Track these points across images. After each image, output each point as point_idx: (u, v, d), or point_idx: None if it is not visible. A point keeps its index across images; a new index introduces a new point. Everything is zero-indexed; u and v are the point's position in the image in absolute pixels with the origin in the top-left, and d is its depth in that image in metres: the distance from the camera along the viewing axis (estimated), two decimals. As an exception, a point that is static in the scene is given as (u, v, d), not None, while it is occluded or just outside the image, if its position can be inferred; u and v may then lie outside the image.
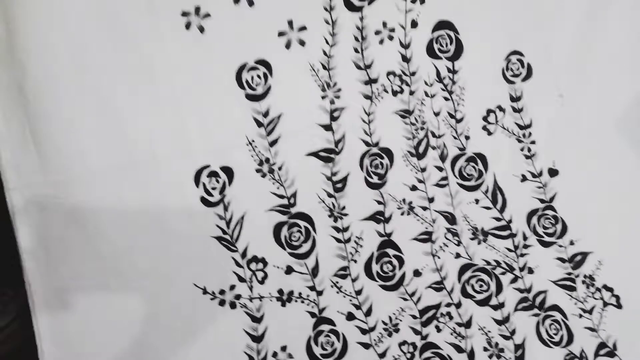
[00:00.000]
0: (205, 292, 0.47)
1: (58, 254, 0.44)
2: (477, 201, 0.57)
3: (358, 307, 0.51)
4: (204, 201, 0.48)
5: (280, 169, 0.51)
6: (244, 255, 0.49)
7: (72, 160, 0.45)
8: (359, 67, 0.53)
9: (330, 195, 0.52)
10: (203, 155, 0.48)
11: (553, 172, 0.59)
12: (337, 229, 0.52)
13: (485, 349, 0.53)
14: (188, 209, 0.47)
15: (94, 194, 0.45)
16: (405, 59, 0.55)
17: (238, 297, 0.48)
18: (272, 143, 0.51)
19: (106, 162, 0.46)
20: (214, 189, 0.48)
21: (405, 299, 0.53)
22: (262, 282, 0.49)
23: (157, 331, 0.46)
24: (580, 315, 0.56)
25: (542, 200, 0.59)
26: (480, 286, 0.55)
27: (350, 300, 0.51)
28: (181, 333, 0.46)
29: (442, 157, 0.57)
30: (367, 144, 0.54)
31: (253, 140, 0.50)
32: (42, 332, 0.43)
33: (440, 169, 0.56)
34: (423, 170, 0.56)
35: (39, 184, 0.44)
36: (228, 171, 0.49)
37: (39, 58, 0.43)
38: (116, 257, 0.45)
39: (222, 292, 0.48)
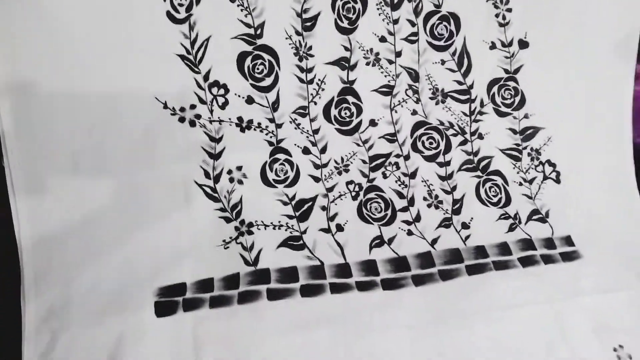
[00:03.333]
0: (165, 106, 0.49)
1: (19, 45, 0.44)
2: (443, 62, 0.58)
3: (314, 144, 0.54)
4: (170, 17, 0.48)
5: (249, -4, 0.50)
6: (206, 78, 0.50)
7: None
8: None
9: (298, 33, 0.53)
10: (170, -32, 0.47)
11: (523, 44, 0.60)
12: (301, 69, 0.53)
13: (425, 199, 0.57)
14: (153, 22, 0.47)
15: None
16: None
17: (198, 116, 0.50)
18: (243, -34, 0.49)
19: None
20: (180, 5, 0.48)
21: (358, 144, 0.56)
22: (222, 107, 0.51)
23: (118, 139, 0.48)
24: (521, 184, 0.60)
25: (506, 71, 0.60)
26: (431, 143, 0.58)
27: (307, 137, 0.54)
28: (142, 144, 0.48)
29: (416, 12, 0.56)
30: (341, -16, 0.53)
31: (223, -40, 0.49)
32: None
33: (412, 23, 0.56)
34: (395, 22, 0.56)
35: None
36: (195, -11, 0.49)
37: None
38: (80, 60, 0.46)
39: (182, 109, 0.50)
